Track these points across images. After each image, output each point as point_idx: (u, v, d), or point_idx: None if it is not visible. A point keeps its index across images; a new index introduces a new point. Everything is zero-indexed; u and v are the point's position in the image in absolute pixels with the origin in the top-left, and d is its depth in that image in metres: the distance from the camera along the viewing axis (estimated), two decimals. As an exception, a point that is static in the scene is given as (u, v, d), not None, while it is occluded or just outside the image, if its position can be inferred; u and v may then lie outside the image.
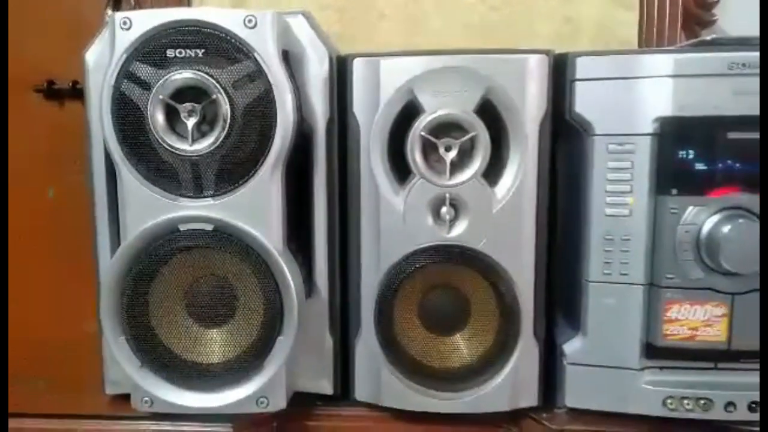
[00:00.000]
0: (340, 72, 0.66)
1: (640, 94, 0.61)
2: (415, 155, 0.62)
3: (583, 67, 0.62)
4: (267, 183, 0.62)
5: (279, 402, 0.65)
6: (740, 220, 0.60)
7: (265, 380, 0.64)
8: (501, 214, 0.63)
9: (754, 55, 0.59)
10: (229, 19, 0.60)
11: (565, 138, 0.65)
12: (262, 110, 0.61)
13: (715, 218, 0.60)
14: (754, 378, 0.63)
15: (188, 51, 0.61)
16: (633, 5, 1.05)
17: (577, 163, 0.64)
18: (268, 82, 0.61)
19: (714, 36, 0.66)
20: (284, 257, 0.63)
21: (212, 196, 0.63)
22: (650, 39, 1.06)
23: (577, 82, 0.63)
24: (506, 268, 0.64)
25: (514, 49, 0.63)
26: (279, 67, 0.61)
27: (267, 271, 0.63)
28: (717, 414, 0.63)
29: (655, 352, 0.64)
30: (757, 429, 0.64)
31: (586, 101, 0.63)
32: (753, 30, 1.06)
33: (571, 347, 0.66)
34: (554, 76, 0.64)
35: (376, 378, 0.67)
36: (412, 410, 0.67)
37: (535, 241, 0.65)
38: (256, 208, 0.62)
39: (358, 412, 0.69)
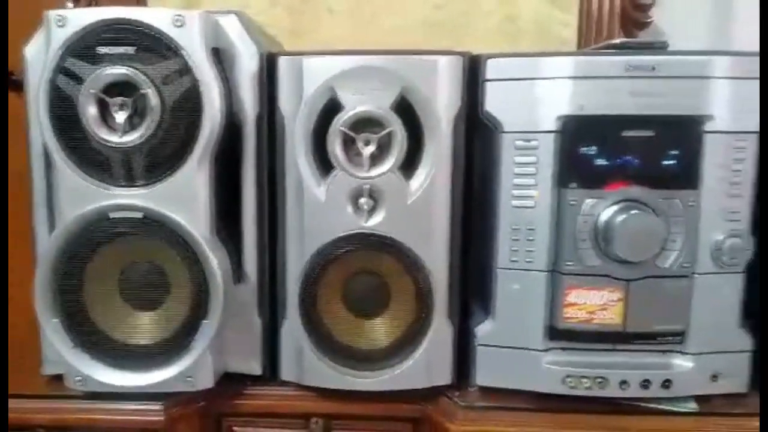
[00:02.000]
0: (270, 69, 0.70)
1: (544, 94, 0.65)
2: (335, 149, 0.66)
3: (492, 68, 0.67)
4: (194, 174, 0.66)
5: (206, 381, 0.69)
6: (633, 212, 0.65)
7: (192, 360, 0.68)
8: (416, 205, 0.67)
9: (648, 59, 0.64)
10: (158, 19, 0.64)
11: (480, 134, 0.70)
12: (189, 105, 0.65)
13: (611, 210, 0.65)
14: (646, 358, 0.68)
15: (119, 48, 0.64)
16: (570, 7, 1.10)
17: (489, 158, 0.69)
18: (195, 78, 0.64)
19: (623, 39, 0.71)
20: (211, 244, 0.67)
21: (142, 185, 0.66)
22: (589, 39, 1.11)
23: (488, 83, 0.67)
24: (420, 255, 0.68)
25: (429, 50, 0.67)
26: (206, 64, 0.64)
27: (194, 257, 0.67)
28: (612, 391, 0.68)
29: (557, 334, 0.69)
30: (648, 405, 0.69)
31: (495, 100, 0.67)
32: (687, 29, 1.13)
33: (482, 330, 0.71)
34: (470, 76, 0.68)
35: (300, 359, 0.71)
36: (334, 388, 0.71)
37: (449, 231, 0.69)
38: (183, 198, 0.66)
39: (284, 392, 0.73)
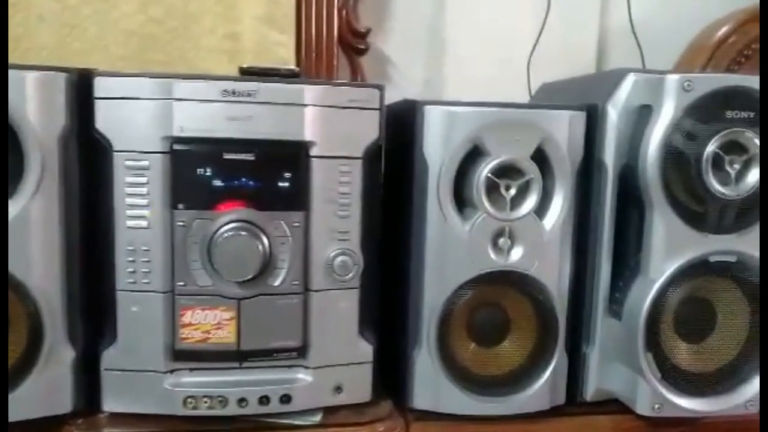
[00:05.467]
0: None
1: (149, 115, 0.65)
2: None
3: (101, 86, 0.65)
4: None
5: None
6: (232, 233, 0.66)
7: None
8: (15, 228, 0.63)
9: (245, 85, 0.66)
10: None
11: (97, 153, 0.68)
12: None
13: (218, 231, 0.66)
14: (265, 375, 0.70)
15: None
16: (287, 29, 1.13)
17: (104, 177, 0.67)
18: None
19: (249, 66, 0.73)
20: None
21: None
22: (309, 62, 1.14)
23: (98, 100, 0.65)
24: (24, 281, 0.64)
25: (22, 64, 0.64)
26: None
27: None
28: (232, 410, 0.69)
29: (177, 355, 0.68)
30: (276, 420, 0.71)
31: (106, 118, 0.65)
32: (408, 54, 1.21)
33: (108, 354, 0.69)
34: (83, 93, 0.66)
35: None
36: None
37: (62, 253, 0.66)
38: None
39: None
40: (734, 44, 1.13)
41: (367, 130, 0.70)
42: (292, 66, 0.73)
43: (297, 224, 0.68)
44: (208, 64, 1.12)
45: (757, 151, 0.71)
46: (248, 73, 0.72)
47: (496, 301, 0.76)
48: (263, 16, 1.11)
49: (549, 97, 0.98)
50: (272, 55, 1.12)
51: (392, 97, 0.76)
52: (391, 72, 1.23)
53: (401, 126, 0.75)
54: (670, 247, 0.72)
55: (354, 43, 1.15)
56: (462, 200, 0.73)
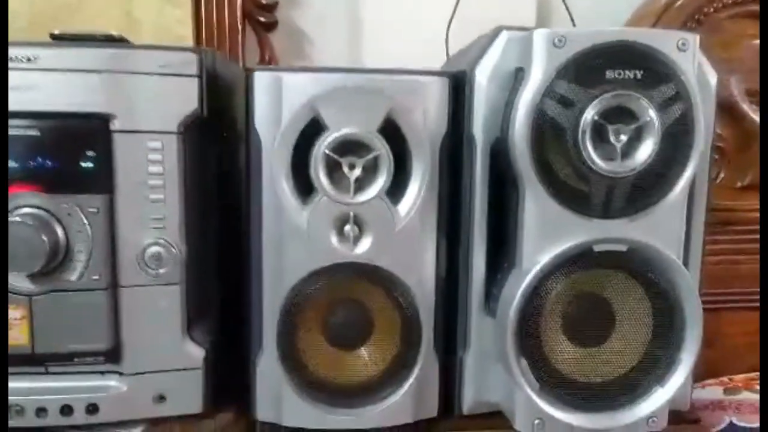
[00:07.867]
0: None
1: None
2: None
3: None
4: None
5: None
6: (26, 221, 0.57)
7: None
8: None
9: (17, 50, 0.56)
10: None
11: None
12: None
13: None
14: (65, 382, 0.61)
15: None
16: (184, 4, 1.05)
17: None
18: None
19: (62, 31, 0.64)
20: None
21: None
22: (210, 38, 1.06)
23: None
24: None
25: None
26: None
27: None
28: (30, 420, 0.60)
29: (-35, 359, 0.61)
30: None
31: None
32: (326, 28, 1.11)
33: None
34: None
35: None
36: None
37: None
38: None
39: None
40: (683, 8, 0.99)
41: (183, 100, 0.60)
42: (115, 32, 0.64)
43: (95, 210, 0.59)
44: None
45: (648, 118, 0.59)
46: (59, 39, 0.63)
47: (354, 299, 0.66)
48: (159, -9, 1.03)
49: (457, 65, 0.87)
50: (170, 32, 1.04)
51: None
52: (308, 49, 1.13)
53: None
54: (545, 234, 0.61)
55: (260, 16, 1.06)
56: (309, 183, 0.64)
